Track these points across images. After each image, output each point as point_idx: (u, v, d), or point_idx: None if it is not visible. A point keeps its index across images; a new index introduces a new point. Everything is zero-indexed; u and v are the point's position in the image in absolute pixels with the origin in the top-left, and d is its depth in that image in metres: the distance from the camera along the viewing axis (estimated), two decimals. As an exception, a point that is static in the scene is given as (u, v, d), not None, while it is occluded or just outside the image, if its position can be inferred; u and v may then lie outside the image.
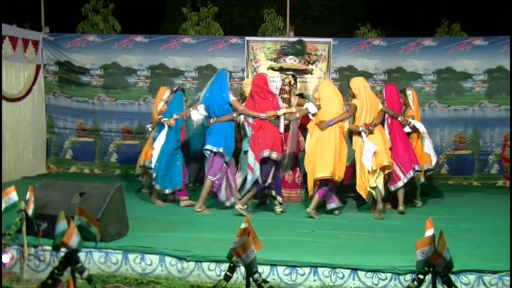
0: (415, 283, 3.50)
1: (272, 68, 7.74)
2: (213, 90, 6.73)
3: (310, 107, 6.63)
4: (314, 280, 4.56)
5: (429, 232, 3.48)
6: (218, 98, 6.66)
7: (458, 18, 10.27)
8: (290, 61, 7.47)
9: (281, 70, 7.59)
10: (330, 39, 9.47)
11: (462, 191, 8.69)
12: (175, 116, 7.03)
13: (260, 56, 9.33)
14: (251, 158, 6.53)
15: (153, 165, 7.01)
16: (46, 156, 9.95)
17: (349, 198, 7.45)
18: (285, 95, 7.38)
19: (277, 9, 10.46)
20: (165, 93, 7.40)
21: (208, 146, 6.60)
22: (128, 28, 10.79)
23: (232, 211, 6.61)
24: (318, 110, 6.61)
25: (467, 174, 9.45)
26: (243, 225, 3.61)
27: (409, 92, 7.36)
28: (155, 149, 7.00)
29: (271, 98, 6.66)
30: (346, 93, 7.46)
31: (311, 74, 8.19)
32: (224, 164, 6.63)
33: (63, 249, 3.65)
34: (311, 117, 6.67)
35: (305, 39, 8.51)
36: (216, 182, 6.61)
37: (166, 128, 7.02)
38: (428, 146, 7.26)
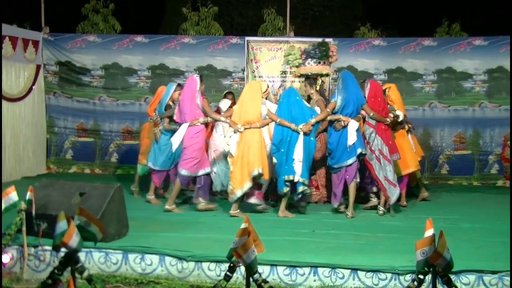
0: (415, 283, 3.50)
1: (302, 75, 7.71)
2: (351, 90, 6.50)
3: (400, 113, 7.01)
4: (314, 280, 4.55)
5: (429, 232, 3.48)
6: (359, 98, 6.54)
7: (458, 18, 10.29)
8: (314, 64, 7.52)
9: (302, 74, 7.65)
10: (330, 39, 9.41)
11: (462, 191, 8.70)
12: (312, 121, 6.44)
13: (260, 56, 9.32)
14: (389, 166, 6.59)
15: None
16: (46, 156, 9.96)
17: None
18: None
19: (277, 9, 10.48)
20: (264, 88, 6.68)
21: (360, 150, 6.49)
22: (128, 28, 10.80)
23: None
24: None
25: (467, 174, 9.46)
26: (243, 225, 3.61)
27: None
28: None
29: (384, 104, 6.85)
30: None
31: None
32: None
33: (63, 249, 3.65)
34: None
35: (305, 39, 8.52)
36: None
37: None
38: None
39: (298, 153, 6.36)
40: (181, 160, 6.64)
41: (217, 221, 6.26)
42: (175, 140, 6.58)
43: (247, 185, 6.39)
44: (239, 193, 6.39)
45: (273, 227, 5.89)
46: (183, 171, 6.59)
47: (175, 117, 6.76)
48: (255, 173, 6.35)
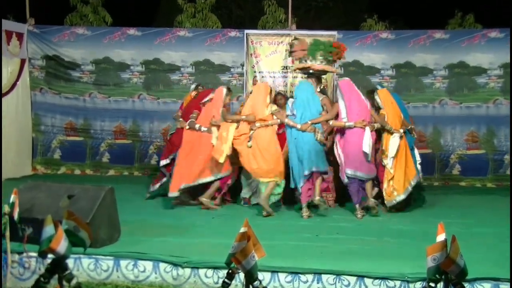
0: (426, 291, 3.49)
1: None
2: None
3: None
4: (318, 288, 4.56)
5: (441, 237, 3.47)
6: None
7: (472, 9, 10.25)
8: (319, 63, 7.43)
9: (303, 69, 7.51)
10: (334, 32, 9.38)
11: (475, 193, 8.69)
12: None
13: (261, 51, 9.31)
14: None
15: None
16: (32, 156, 9.94)
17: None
18: None
19: (278, 0, 10.46)
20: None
21: None
22: (119, 21, 10.78)
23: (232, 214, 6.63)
24: None
25: (480, 175, 9.43)
26: (242, 229, 3.59)
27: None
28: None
29: None
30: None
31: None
32: None
33: (50, 256, 3.64)
34: None
35: (308, 32, 8.50)
36: None
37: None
38: None
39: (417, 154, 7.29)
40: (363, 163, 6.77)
41: (214, 225, 6.26)
42: (368, 146, 6.69)
43: (408, 189, 6.88)
44: (402, 196, 6.81)
45: (275, 231, 5.88)
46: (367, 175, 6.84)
47: (332, 122, 6.87)
48: (417, 180, 7.00)
